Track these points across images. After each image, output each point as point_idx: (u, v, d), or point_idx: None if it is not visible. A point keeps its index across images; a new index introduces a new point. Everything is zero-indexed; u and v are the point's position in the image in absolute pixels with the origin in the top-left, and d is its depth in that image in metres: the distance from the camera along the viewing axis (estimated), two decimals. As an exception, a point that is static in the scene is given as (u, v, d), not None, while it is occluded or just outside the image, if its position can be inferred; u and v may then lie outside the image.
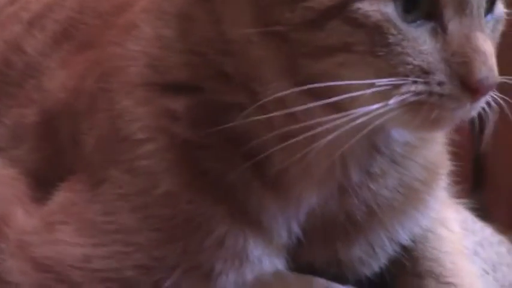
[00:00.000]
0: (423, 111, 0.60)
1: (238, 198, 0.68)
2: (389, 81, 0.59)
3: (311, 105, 0.61)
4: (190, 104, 0.69)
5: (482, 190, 2.16)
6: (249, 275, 0.70)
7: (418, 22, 0.61)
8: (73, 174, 0.77)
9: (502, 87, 0.65)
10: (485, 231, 0.96)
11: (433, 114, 0.60)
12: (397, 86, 0.59)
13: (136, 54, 0.75)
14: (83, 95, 0.78)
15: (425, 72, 0.60)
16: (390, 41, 0.59)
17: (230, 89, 0.67)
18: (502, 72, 0.67)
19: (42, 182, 0.79)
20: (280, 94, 0.62)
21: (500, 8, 0.67)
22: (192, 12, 0.70)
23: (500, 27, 0.67)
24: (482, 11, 0.62)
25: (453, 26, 0.61)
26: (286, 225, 0.71)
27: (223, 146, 0.67)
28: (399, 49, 0.59)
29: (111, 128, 0.73)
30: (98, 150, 0.75)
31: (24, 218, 0.76)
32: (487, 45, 0.61)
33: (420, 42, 0.60)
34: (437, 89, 0.60)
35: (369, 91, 0.60)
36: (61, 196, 0.75)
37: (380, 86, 0.60)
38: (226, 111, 0.67)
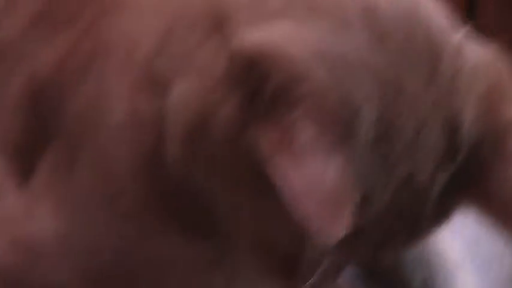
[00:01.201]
0: None
1: None
2: None
3: None
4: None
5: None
6: None
7: None
8: (53, 151, 0.70)
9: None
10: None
11: None
12: None
13: (150, 30, 0.65)
14: (71, 68, 0.69)
15: None
16: None
17: None
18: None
19: (25, 158, 0.73)
20: None
21: None
22: None
23: None
24: None
25: None
26: None
27: None
28: None
29: (93, 109, 0.67)
30: (77, 125, 0.68)
31: (3, 197, 0.72)
32: None
33: None
34: None
35: None
36: (41, 175, 0.70)
37: None
38: None
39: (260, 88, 0.53)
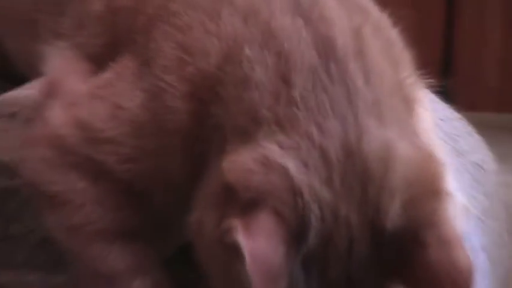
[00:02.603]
0: None
1: None
2: None
3: None
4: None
5: (449, 76, 2.51)
6: None
7: None
8: (123, 60, 0.79)
9: None
10: (446, 110, 1.04)
11: None
12: None
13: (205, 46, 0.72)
14: (141, 15, 0.79)
15: None
16: None
17: None
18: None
19: (98, 57, 0.83)
20: None
21: None
22: None
23: None
24: None
25: None
26: None
27: None
28: None
29: (155, 75, 0.74)
30: (146, 52, 0.76)
31: (76, 83, 0.81)
32: None
33: None
34: None
35: None
36: (108, 74, 0.79)
37: None
38: None
39: (233, 202, 0.65)
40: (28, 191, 0.80)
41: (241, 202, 0.64)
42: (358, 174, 0.66)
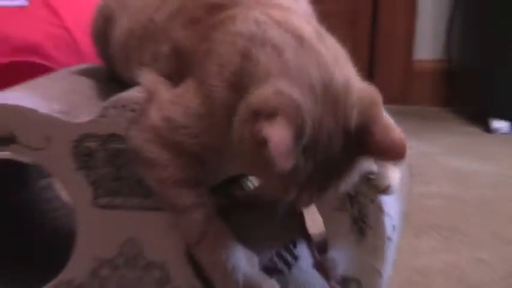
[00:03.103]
0: None
1: None
2: None
3: None
4: None
5: (372, 79, 2.78)
6: None
7: None
8: (187, 80, 0.99)
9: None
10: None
11: None
12: None
13: (230, 59, 0.93)
14: (198, 53, 0.99)
15: None
16: None
17: None
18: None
19: (173, 79, 1.03)
20: None
21: None
22: None
23: None
24: None
25: None
26: None
27: None
28: None
29: (208, 84, 0.95)
30: (199, 77, 0.97)
31: (163, 93, 1.00)
32: None
33: None
34: None
35: None
36: (180, 89, 0.99)
37: None
38: None
39: (260, 117, 0.81)
40: (132, 154, 1.01)
41: (265, 115, 0.81)
42: (331, 98, 0.86)
